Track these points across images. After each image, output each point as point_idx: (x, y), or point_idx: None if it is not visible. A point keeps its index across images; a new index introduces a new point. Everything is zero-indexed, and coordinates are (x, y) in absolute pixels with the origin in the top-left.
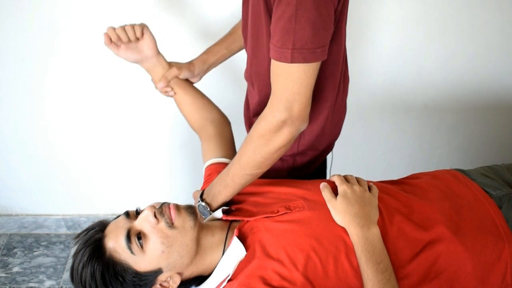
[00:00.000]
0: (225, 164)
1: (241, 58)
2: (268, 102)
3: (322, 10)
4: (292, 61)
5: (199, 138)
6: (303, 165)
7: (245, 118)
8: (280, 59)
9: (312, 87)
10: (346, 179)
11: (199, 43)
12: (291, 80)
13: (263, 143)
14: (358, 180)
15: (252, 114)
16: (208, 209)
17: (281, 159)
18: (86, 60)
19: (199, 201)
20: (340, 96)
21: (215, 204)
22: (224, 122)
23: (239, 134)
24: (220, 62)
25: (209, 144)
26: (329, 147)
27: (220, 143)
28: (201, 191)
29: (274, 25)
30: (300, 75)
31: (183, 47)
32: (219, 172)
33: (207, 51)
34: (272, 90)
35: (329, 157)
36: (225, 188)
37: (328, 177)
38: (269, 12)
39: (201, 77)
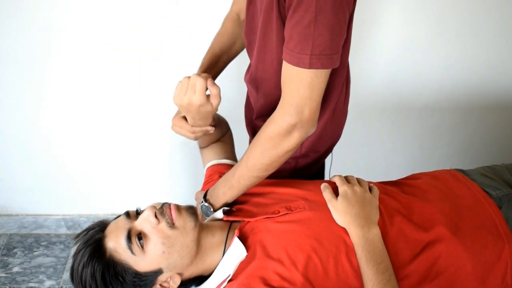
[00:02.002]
0: (226, 165)
1: (240, 59)
2: (278, 106)
3: (339, 16)
4: (311, 67)
5: (199, 148)
6: (304, 167)
7: (246, 120)
8: (298, 64)
9: (323, 92)
10: (346, 179)
11: (199, 43)
12: (303, 85)
13: (272, 146)
14: (359, 181)
15: (256, 116)
16: (211, 209)
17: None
18: (86, 60)
19: (202, 202)
20: (342, 98)
21: (218, 205)
22: (227, 131)
23: (239, 135)
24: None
25: (211, 150)
26: (330, 149)
27: (221, 148)
28: (203, 192)
29: (291, 30)
30: (312, 80)
31: (183, 47)
32: (220, 172)
33: (209, 60)
34: (282, 94)
35: (328, 158)
36: (229, 189)
37: (327, 178)
38: (281, 18)
39: None
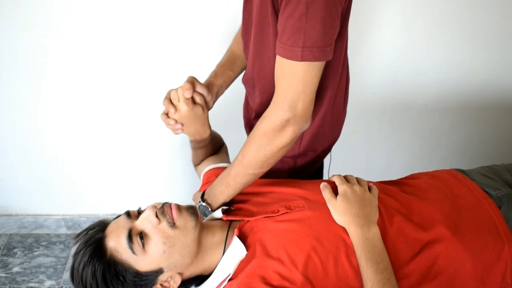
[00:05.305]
0: (224, 168)
1: None
2: (272, 101)
3: (331, 8)
4: (303, 59)
5: (194, 166)
6: (303, 167)
7: (244, 120)
8: (290, 57)
9: (316, 87)
10: (346, 179)
11: (199, 43)
12: (296, 79)
13: (266, 142)
14: (358, 180)
15: (254, 115)
16: (209, 209)
17: (282, 160)
18: (86, 60)
19: (199, 202)
20: (339, 96)
21: (216, 204)
22: (220, 147)
23: (238, 136)
24: (228, 85)
25: (206, 162)
26: (329, 149)
27: (217, 158)
28: (201, 192)
29: (283, 23)
30: (305, 74)
31: (183, 47)
32: (217, 174)
33: (212, 74)
34: (276, 89)
35: (326, 158)
36: (226, 188)
37: (326, 178)
38: (276, 12)
39: (213, 102)
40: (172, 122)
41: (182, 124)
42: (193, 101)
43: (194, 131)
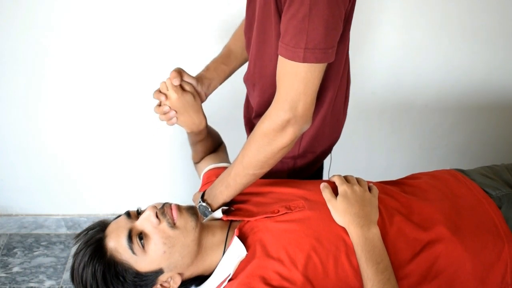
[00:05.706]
0: (224, 168)
1: None
2: (273, 102)
3: (334, 10)
4: (305, 60)
5: (194, 164)
6: (303, 168)
7: (245, 120)
8: (293, 58)
9: (317, 88)
10: (346, 179)
11: (199, 43)
12: (297, 80)
13: (267, 143)
14: (358, 181)
15: (254, 115)
16: (209, 209)
17: (281, 161)
18: (85, 60)
19: (200, 202)
20: (340, 98)
21: (216, 204)
22: (219, 145)
23: (239, 135)
24: (222, 78)
25: (206, 161)
26: (328, 150)
27: (216, 157)
28: (201, 193)
29: (286, 24)
30: (306, 75)
31: (183, 47)
32: (217, 174)
33: (203, 69)
34: (277, 89)
35: (327, 159)
36: (226, 188)
37: (326, 178)
38: (279, 12)
39: (206, 96)
40: (166, 108)
41: (176, 112)
42: (183, 89)
43: (189, 121)
